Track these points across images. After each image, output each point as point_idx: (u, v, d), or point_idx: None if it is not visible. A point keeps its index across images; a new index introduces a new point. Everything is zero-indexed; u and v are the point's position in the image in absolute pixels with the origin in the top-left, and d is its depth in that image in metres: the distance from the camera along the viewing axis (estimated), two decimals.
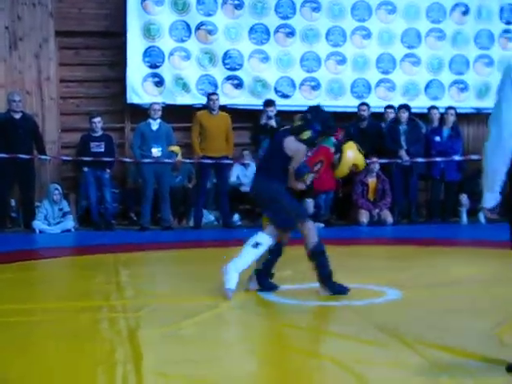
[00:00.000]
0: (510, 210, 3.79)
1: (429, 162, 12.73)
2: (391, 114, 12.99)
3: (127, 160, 12.81)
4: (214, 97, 12.37)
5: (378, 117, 13.12)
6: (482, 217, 12.53)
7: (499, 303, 5.88)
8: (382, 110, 13.19)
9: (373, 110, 13.06)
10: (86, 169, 12.18)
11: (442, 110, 13.12)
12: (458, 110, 13.28)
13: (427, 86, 13.97)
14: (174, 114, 12.81)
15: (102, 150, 12.20)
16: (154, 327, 5.39)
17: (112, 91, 13.50)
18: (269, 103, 12.47)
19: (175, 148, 12.30)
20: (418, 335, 4.79)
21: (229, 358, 4.61)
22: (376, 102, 13.44)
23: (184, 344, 4.92)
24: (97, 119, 12.27)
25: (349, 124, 12.81)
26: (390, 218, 12.46)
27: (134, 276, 7.68)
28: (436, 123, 13.04)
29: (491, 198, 3.82)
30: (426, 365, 4.17)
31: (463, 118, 13.94)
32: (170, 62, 13.14)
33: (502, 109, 3.69)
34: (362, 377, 3.97)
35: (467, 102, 14.05)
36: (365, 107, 12.89)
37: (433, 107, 13.26)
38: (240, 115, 12.97)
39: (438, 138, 12.83)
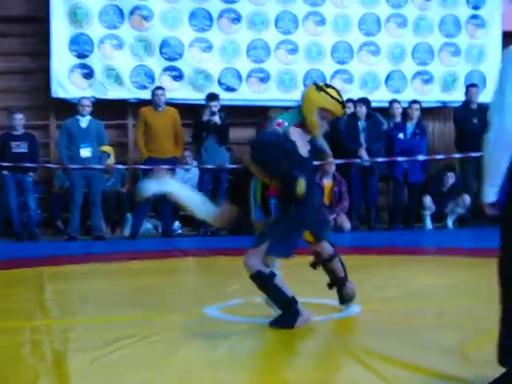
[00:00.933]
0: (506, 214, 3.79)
1: (391, 161, 12.79)
2: (349, 109, 13.02)
3: (52, 166, 12.70)
4: (159, 91, 12.35)
5: None
6: (449, 221, 12.67)
7: (467, 317, 5.93)
8: None
9: None
10: (5, 172, 12.01)
11: (405, 104, 13.19)
12: (423, 104, 13.37)
13: (388, 78, 14.06)
14: (106, 109, 12.70)
15: (25, 150, 12.07)
16: (82, 351, 5.32)
17: (34, 84, 13.38)
18: (212, 97, 12.44)
19: (107, 148, 12.24)
20: (377, 352, 4.79)
21: (160, 381, 4.55)
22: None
23: (115, 369, 4.86)
24: (18, 116, 12.14)
25: None
26: (347, 224, 12.52)
27: (61, 293, 7.57)
28: (398, 118, 13.11)
29: (491, 193, 3.83)
30: None
31: (428, 112, 14.06)
32: (100, 51, 13.07)
33: (506, 95, 3.68)
34: None
35: (432, 95, 14.17)
36: None
37: (394, 101, 13.33)
38: (180, 111, 12.89)
39: (401, 135, 12.91)
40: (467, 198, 12.62)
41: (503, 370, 3.78)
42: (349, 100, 13.10)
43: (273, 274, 5.57)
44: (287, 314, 5.57)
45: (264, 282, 5.59)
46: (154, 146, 12.14)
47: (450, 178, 12.84)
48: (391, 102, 13.30)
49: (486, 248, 10.36)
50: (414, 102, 13.11)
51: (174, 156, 12.29)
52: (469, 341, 5.12)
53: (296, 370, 4.67)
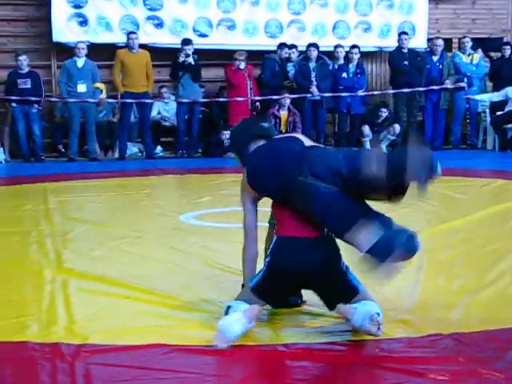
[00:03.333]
0: None
1: (336, 96, 12.79)
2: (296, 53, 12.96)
3: (53, 99, 12.59)
4: (132, 35, 12.18)
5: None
6: (383, 146, 12.75)
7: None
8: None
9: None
10: (14, 105, 11.88)
11: (347, 49, 13.11)
12: (362, 49, 13.33)
13: (334, 27, 13.93)
14: (98, 51, 12.53)
15: (29, 86, 11.89)
16: (79, 248, 5.38)
17: (38, 30, 13.13)
18: (186, 42, 12.31)
19: (100, 85, 12.17)
20: None
21: (138, 266, 4.61)
22: (288, 40, 13.34)
23: (103, 262, 4.92)
24: (23, 57, 11.94)
25: (266, 62, 12.75)
26: None
27: (62, 203, 7.61)
28: (342, 61, 13.05)
29: None
30: None
31: (367, 55, 14.02)
32: (93, 2, 12.79)
33: None
34: None
35: (370, 41, 14.06)
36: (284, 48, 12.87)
37: (338, 46, 13.21)
38: (160, 53, 12.76)
39: (344, 75, 12.85)
40: (397, 127, 12.67)
41: None
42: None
43: None
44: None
45: None
46: (128, 82, 12.01)
47: (384, 113, 12.85)
48: (336, 47, 13.18)
49: None
50: (354, 46, 12.99)
51: (145, 91, 12.17)
52: None
53: None
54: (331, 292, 3.43)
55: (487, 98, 12.84)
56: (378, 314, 3.25)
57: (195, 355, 3.16)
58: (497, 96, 12.67)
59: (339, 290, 3.41)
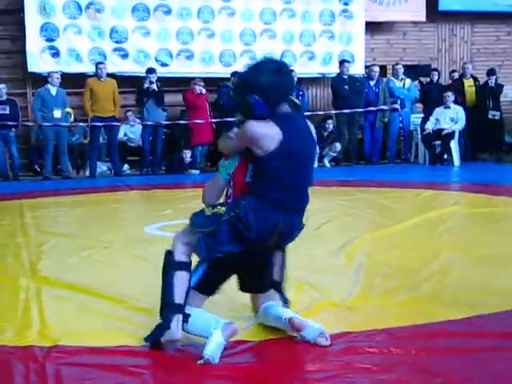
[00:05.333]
0: None
1: None
2: None
3: (29, 124, 12.45)
4: (101, 65, 12.14)
5: None
6: (326, 161, 12.84)
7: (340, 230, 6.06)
8: None
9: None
10: None
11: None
12: (307, 75, 13.41)
13: (282, 55, 13.98)
14: (69, 80, 12.42)
15: (7, 112, 11.76)
16: (53, 258, 5.31)
17: (14, 61, 13.01)
18: (150, 70, 12.28)
19: (69, 109, 12.14)
20: None
21: (105, 274, 4.58)
22: (241, 69, 13.32)
23: (74, 271, 4.86)
24: (1, 85, 11.83)
25: (222, 88, 12.75)
26: None
27: (37, 218, 7.49)
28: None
29: None
30: None
31: (312, 81, 14.13)
32: (65, 36, 12.71)
33: None
34: None
35: (314, 68, 14.16)
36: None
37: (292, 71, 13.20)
38: (126, 81, 12.70)
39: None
40: (338, 145, 12.78)
41: None
42: None
43: (185, 267, 3.22)
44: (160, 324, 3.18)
45: (166, 266, 3.27)
46: (97, 107, 11.96)
47: (330, 124, 12.93)
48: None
49: (352, 180, 10.61)
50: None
51: (113, 115, 12.12)
52: None
53: None
54: (265, 273, 3.33)
55: (429, 125, 12.77)
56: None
57: (156, 356, 3.13)
58: (431, 123, 12.70)
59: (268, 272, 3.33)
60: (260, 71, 3.17)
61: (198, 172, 12.16)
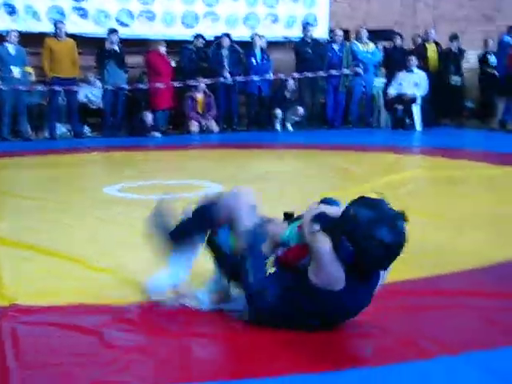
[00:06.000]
0: None
1: (247, 80, 12.77)
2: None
3: None
4: (60, 24, 11.87)
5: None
6: (289, 125, 12.81)
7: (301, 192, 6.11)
8: (211, 39, 13.01)
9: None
10: None
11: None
12: (271, 39, 13.33)
13: (246, 18, 13.87)
14: (27, 39, 12.14)
15: None
16: (10, 221, 5.24)
17: None
18: (112, 31, 12.09)
19: (29, 68, 11.84)
20: None
21: (65, 235, 4.55)
22: (204, 30, 13.21)
23: (33, 232, 4.82)
24: None
25: (184, 50, 12.61)
26: (215, 127, 12.51)
27: None
28: (258, 49, 12.93)
29: None
30: None
31: (275, 44, 14.01)
32: None
33: None
34: None
35: (278, 32, 14.07)
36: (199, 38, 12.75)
37: (256, 35, 13.09)
38: (86, 42, 12.46)
39: (253, 61, 12.84)
40: (301, 109, 12.76)
41: None
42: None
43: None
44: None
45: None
46: (56, 68, 11.73)
47: (291, 82, 12.86)
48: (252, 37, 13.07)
49: (313, 143, 10.65)
50: (261, 36, 12.99)
51: (72, 76, 11.92)
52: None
53: None
54: None
55: (392, 90, 12.80)
56: None
57: (110, 313, 3.13)
58: (394, 88, 12.74)
59: None
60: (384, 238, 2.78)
61: (160, 135, 12.08)
